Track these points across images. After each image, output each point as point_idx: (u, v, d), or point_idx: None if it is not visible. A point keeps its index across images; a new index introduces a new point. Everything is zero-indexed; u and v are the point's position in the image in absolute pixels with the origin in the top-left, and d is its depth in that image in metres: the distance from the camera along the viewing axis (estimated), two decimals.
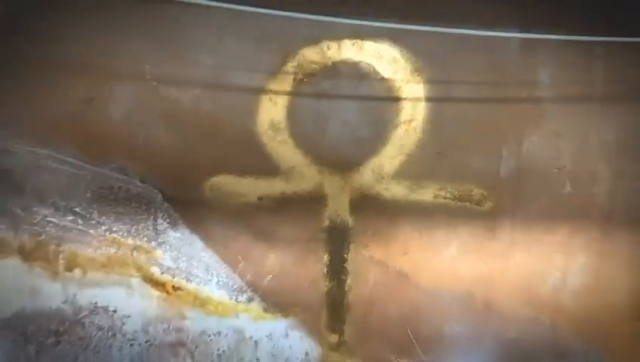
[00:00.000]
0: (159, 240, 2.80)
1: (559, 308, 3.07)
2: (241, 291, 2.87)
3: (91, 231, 2.74)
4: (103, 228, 2.75)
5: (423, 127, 2.88)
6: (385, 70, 2.84)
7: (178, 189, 2.79)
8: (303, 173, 2.84)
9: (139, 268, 2.79)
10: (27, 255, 2.72)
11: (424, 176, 2.91)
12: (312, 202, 2.87)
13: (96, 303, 2.78)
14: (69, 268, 2.75)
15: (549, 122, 2.98)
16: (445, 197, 2.94)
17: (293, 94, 2.80)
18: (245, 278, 2.87)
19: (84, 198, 2.73)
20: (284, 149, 2.82)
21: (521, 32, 2.85)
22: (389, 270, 2.94)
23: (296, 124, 2.82)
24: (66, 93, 2.69)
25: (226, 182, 2.81)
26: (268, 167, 2.83)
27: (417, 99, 2.87)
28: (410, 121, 2.87)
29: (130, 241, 2.78)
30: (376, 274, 2.94)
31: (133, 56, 2.72)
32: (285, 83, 2.80)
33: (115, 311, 2.79)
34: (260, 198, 2.84)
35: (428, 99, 2.87)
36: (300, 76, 2.80)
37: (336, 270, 2.91)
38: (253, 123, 2.80)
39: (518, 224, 3.00)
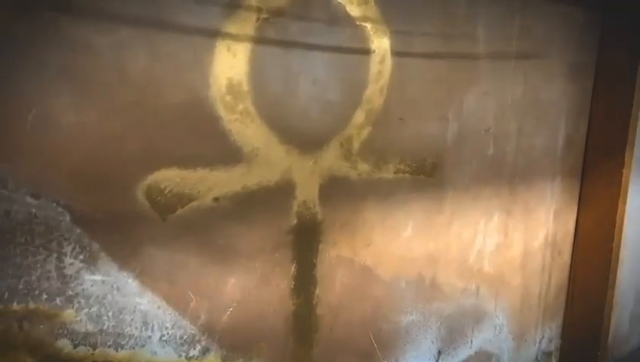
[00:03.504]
0: (68, 292, 1.61)
1: (481, 272, 2.99)
2: (193, 342, 1.91)
3: None
4: None
5: (389, 86, 2.32)
6: (355, 12, 2.15)
7: (96, 201, 1.62)
8: (269, 157, 1.99)
9: (34, 349, 1.57)
10: None
11: (387, 149, 2.38)
12: (279, 195, 2.04)
13: None
14: None
15: (481, 81, 2.75)
16: (404, 171, 2.47)
17: (257, 41, 1.89)
18: (198, 321, 1.90)
19: None
20: (245, 123, 1.91)
21: None
22: (354, 267, 2.36)
23: (261, 86, 1.93)
24: None
25: (167, 181, 1.76)
26: (225, 152, 1.88)
27: (385, 52, 2.28)
28: (378, 78, 2.27)
29: (15, 307, 1.52)
30: (343, 275, 2.32)
31: None
32: (247, 23, 1.86)
33: None
34: (215, 199, 1.88)
35: (394, 53, 2.31)
36: (264, 14, 1.89)
37: (305, 281, 2.19)
38: (205, 86, 1.79)
39: (457, 193, 2.75)
